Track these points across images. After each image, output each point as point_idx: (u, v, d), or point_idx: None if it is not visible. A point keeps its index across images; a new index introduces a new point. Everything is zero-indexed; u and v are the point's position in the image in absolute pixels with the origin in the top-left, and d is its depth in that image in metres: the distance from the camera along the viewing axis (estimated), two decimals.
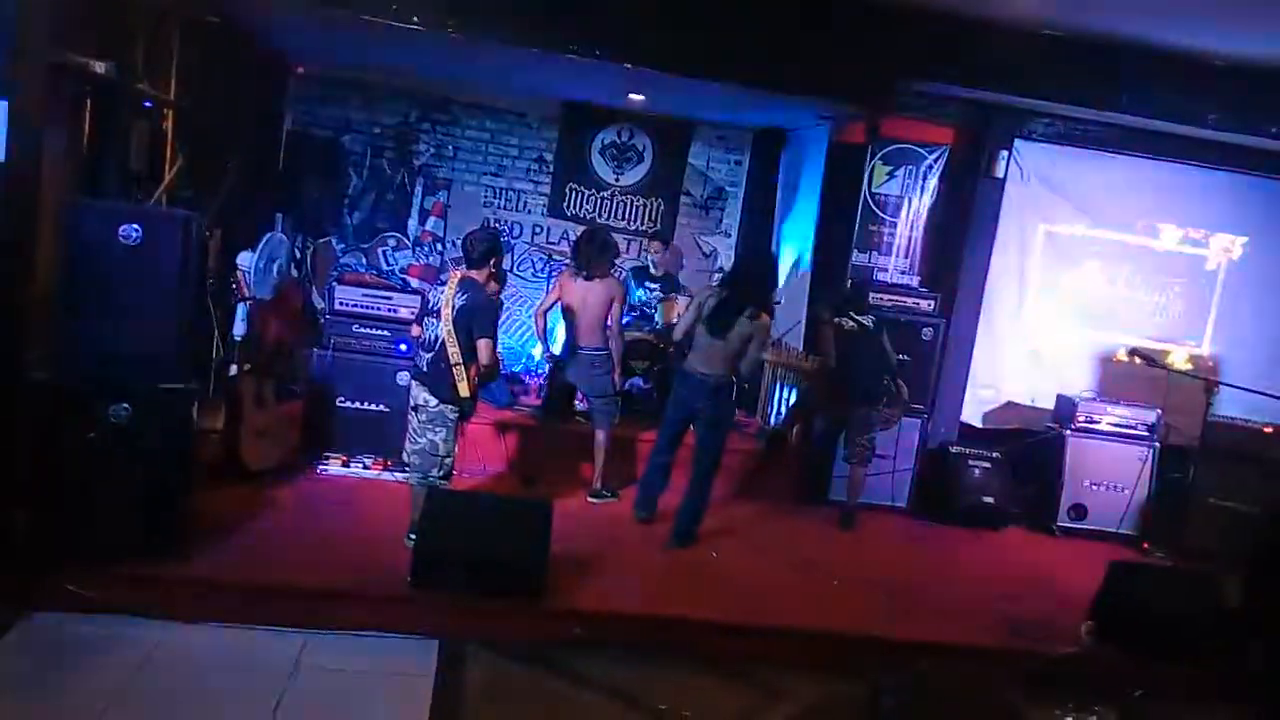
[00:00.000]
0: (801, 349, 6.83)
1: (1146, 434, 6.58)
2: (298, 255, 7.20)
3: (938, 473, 6.54)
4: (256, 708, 3.40)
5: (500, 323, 5.15)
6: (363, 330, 5.89)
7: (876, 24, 5.63)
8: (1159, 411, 6.58)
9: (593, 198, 8.20)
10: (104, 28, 4.73)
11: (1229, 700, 4.48)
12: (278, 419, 5.52)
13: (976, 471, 6.50)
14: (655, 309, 7.29)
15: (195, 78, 5.78)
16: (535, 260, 8.17)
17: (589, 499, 5.83)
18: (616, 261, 6.12)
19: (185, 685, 3.51)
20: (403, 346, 5.78)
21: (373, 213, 7.97)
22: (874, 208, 6.88)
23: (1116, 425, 6.58)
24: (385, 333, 5.89)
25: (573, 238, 6.87)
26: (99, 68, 4.52)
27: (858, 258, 6.89)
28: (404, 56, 6.59)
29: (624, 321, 6.13)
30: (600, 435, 5.83)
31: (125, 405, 3.93)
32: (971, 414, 7.02)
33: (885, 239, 6.93)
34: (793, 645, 4.40)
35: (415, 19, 5.12)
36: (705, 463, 5.32)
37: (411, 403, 4.69)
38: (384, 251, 8.04)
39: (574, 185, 8.16)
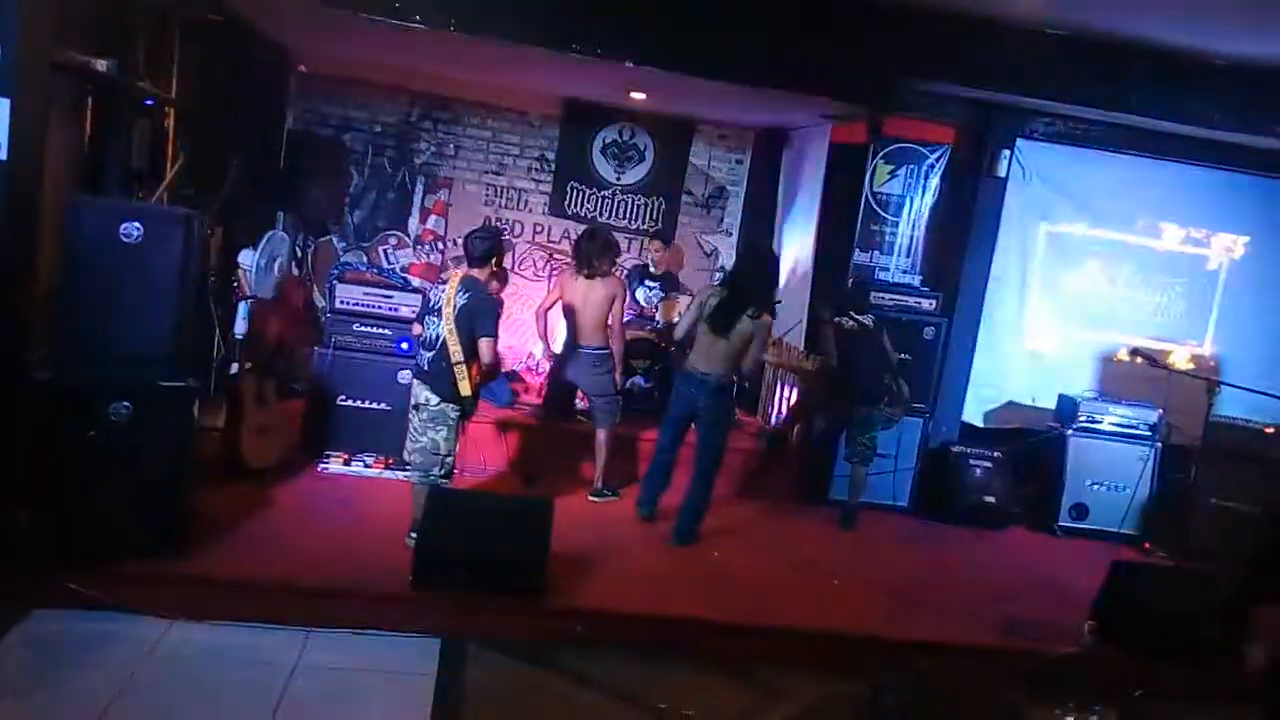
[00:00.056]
0: (802, 348, 6.83)
1: (1148, 434, 6.58)
2: (299, 254, 7.22)
3: (939, 472, 6.53)
4: (257, 706, 3.40)
5: (501, 321, 5.16)
6: (364, 329, 5.88)
7: (878, 23, 5.63)
8: (1160, 411, 6.58)
9: (594, 196, 8.20)
10: (105, 26, 4.74)
11: (1229, 700, 4.48)
12: (279, 417, 5.52)
13: (978, 471, 6.50)
14: (656, 308, 7.29)
15: (197, 76, 5.79)
16: (536, 259, 8.17)
17: (590, 498, 5.83)
18: (617, 260, 6.11)
19: (186, 683, 3.51)
20: (404, 345, 5.77)
21: (374, 211, 7.97)
22: (875, 207, 6.88)
23: (1118, 425, 6.57)
24: (386, 331, 5.89)
25: (574, 237, 6.87)
26: (100, 66, 4.53)
27: (859, 257, 6.89)
28: (405, 55, 6.59)
29: (624, 320, 6.13)
30: (601, 434, 5.83)
31: (126, 404, 3.92)
32: (973, 413, 7.02)
33: (887, 238, 6.93)
34: (793, 644, 4.40)
35: (417, 17, 5.11)
36: (707, 461, 5.32)
37: (413, 401, 4.69)
38: (385, 250, 8.04)
39: (575, 184, 8.16)
